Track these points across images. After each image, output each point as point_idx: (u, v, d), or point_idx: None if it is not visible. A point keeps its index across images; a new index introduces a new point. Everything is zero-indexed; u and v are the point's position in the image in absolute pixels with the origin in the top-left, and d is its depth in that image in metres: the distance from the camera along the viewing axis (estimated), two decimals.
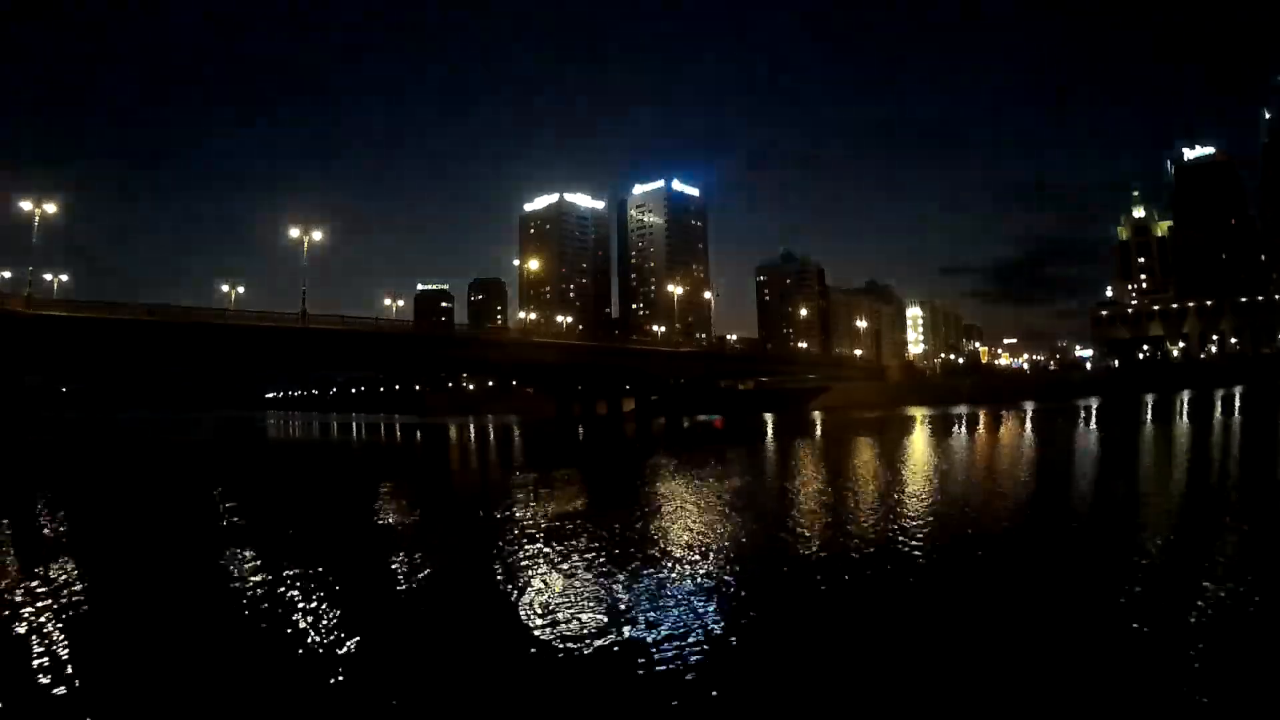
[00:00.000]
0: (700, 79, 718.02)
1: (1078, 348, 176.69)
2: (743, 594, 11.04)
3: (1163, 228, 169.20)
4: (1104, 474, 24.60)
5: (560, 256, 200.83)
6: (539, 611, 10.37)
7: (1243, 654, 7.94)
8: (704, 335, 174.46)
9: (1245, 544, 13.18)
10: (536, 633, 9.40)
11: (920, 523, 15.74)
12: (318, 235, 62.66)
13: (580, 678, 8.04)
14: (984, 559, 12.73)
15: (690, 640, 8.94)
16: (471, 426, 76.18)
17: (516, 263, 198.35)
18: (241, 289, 64.24)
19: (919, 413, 71.57)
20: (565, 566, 12.99)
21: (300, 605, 10.83)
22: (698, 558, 13.39)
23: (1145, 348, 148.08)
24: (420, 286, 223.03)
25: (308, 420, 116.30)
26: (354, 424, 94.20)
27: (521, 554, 14.14)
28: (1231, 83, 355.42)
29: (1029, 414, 60.09)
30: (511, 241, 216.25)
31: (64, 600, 11.25)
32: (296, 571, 12.78)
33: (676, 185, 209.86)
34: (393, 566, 13.36)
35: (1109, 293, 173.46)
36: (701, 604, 10.52)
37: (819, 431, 51.95)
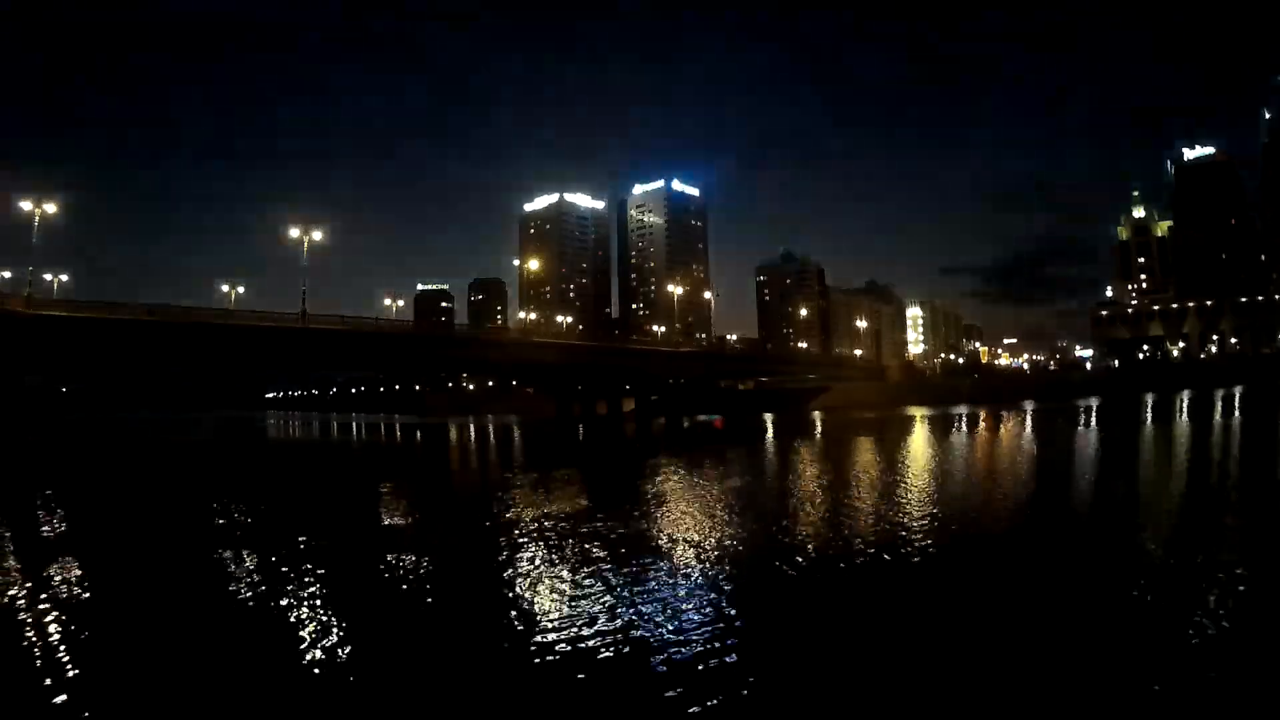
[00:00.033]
0: (700, 79, 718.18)
1: (1078, 348, 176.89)
2: (742, 594, 11.04)
3: (1163, 228, 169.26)
4: (1104, 474, 24.59)
5: (560, 256, 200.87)
6: (539, 611, 10.38)
7: (1243, 653, 7.95)
8: (704, 335, 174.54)
9: (1245, 544, 13.19)
10: (536, 632, 9.39)
11: (920, 523, 15.73)
12: (317, 235, 62.71)
13: (580, 677, 8.04)
14: (984, 559, 12.74)
15: (690, 640, 8.94)
16: (471, 426, 76.19)
17: (516, 263, 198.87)
18: (241, 289, 64.33)
19: (919, 413, 71.58)
20: (565, 566, 13.00)
21: (300, 605, 10.84)
22: (698, 557, 13.38)
23: (1145, 348, 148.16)
24: (420, 286, 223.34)
25: (308, 420, 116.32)
26: (354, 424, 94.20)
27: (521, 554, 14.15)
28: (1231, 83, 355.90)
29: (1029, 414, 60.09)
30: (511, 241, 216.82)
31: (64, 600, 11.27)
32: (296, 571, 12.79)
33: (676, 185, 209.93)
34: (393, 566, 13.36)
35: (1109, 293, 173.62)
36: (701, 604, 10.52)
37: (819, 431, 51.95)
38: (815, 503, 19.80)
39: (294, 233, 61.69)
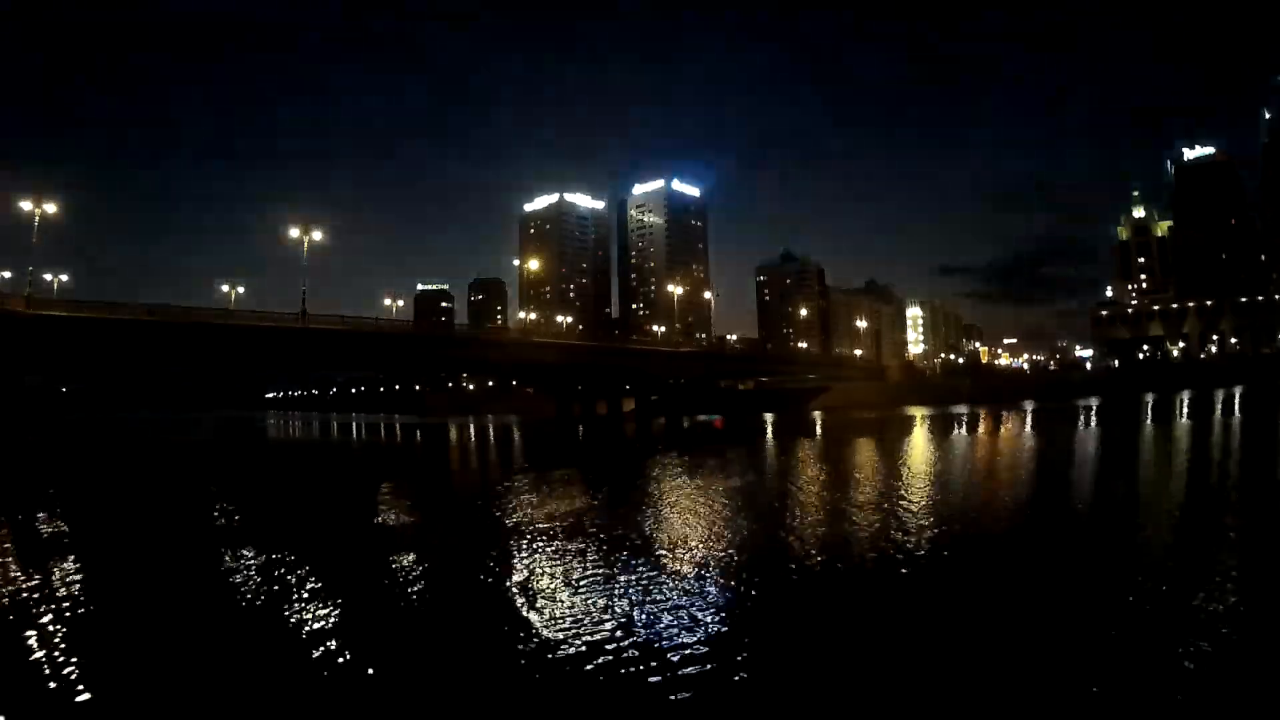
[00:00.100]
0: (700, 79, 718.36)
1: (1078, 348, 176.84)
2: (742, 593, 11.05)
3: (1163, 228, 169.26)
4: (1104, 474, 24.60)
5: (560, 256, 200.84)
6: (539, 611, 10.38)
7: (1242, 654, 7.95)
8: (704, 335, 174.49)
9: (1245, 544, 13.19)
10: (536, 632, 9.41)
11: (920, 523, 15.75)
12: (318, 235, 62.58)
13: (580, 677, 8.05)
14: (984, 558, 12.74)
15: (690, 640, 8.95)
16: (471, 426, 76.20)
17: (516, 263, 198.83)
18: (241, 289, 64.36)
19: (919, 413, 71.59)
20: (564, 566, 13.01)
21: (300, 605, 10.84)
22: (698, 558, 13.39)
23: (1145, 348, 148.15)
24: (420, 286, 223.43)
25: (308, 420, 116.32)
26: (354, 424, 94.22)
27: (521, 554, 14.16)
28: (1231, 83, 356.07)
29: (1029, 414, 60.11)
30: (511, 241, 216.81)
31: (63, 600, 11.27)
32: (296, 571, 12.80)
33: (676, 185, 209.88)
34: (393, 566, 13.37)
35: (1109, 293, 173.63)
36: (701, 604, 10.53)
37: (819, 431, 51.94)
38: (815, 503, 19.81)
39: (294, 233, 61.60)
